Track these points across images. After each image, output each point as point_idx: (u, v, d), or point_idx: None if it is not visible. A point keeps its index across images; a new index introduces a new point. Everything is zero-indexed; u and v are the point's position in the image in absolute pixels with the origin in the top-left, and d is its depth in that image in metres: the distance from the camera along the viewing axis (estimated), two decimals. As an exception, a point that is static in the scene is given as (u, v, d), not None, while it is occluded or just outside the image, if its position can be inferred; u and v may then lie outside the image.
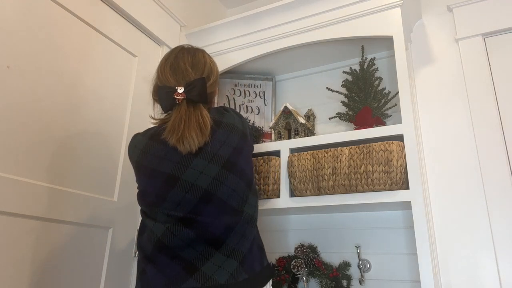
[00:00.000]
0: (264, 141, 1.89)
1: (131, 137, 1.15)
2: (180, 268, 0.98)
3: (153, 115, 1.20)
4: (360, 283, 1.57)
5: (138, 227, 1.12)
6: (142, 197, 1.08)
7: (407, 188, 1.35)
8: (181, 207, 1.01)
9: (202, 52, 1.19)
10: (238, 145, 1.09)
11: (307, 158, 1.47)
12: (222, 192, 1.03)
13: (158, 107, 1.18)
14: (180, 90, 1.08)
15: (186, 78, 1.11)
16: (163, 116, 1.15)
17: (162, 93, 1.10)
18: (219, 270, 0.99)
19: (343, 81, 1.70)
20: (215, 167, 1.03)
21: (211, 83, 1.15)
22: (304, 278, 1.58)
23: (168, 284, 0.97)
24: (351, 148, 1.40)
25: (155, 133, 1.08)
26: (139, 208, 1.55)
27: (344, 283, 1.55)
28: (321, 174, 1.43)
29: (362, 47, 1.74)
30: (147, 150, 1.06)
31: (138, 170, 1.09)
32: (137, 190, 1.11)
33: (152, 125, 1.17)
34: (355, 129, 1.56)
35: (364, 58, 1.69)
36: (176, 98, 1.07)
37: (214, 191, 1.02)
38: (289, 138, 1.70)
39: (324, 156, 1.44)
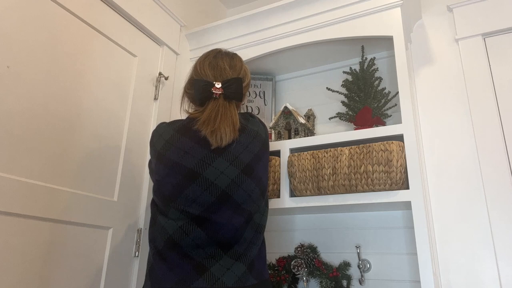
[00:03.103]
0: (264, 141, 1.89)
1: (157, 125, 1.18)
2: (190, 267, 0.99)
3: (181, 108, 1.25)
4: (360, 283, 1.57)
5: (150, 219, 1.14)
6: (158, 187, 1.08)
7: (407, 188, 1.35)
8: (197, 204, 1.02)
9: (239, 57, 1.25)
10: (259, 153, 1.12)
11: (307, 158, 1.47)
12: (238, 195, 1.04)
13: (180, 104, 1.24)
14: (218, 85, 1.12)
15: (224, 76, 1.15)
16: (192, 110, 1.20)
17: (198, 86, 1.14)
18: (228, 273, 1.00)
19: (343, 81, 1.70)
20: (235, 170, 1.05)
21: (245, 84, 1.20)
22: (304, 278, 1.58)
23: (178, 283, 0.98)
24: (351, 148, 1.40)
25: (182, 126, 1.11)
26: (139, 208, 1.56)
27: (344, 283, 1.55)
28: (321, 174, 1.43)
29: (362, 47, 1.74)
30: (172, 142, 1.08)
31: (158, 159, 1.09)
32: (154, 180, 1.12)
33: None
34: (355, 129, 1.56)
35: (364, 58, 1.69)
36: (214, 93, 1.12)
37: (231, 193, 1.04)
38: (289, 138, 1.70)
39: (324, 156, 1.44)
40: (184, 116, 1.23)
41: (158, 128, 1.15)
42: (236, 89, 1.14)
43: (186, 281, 0.97)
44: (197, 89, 1.14)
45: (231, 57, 1.21)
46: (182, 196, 1.03)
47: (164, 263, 1.01)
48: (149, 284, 1.02)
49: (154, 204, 1.12)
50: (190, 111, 1.21)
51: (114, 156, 1.49)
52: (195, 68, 1.21)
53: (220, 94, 1.12)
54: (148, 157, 1.63)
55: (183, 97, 1.25)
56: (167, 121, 1.75)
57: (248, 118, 1.17)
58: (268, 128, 1.92)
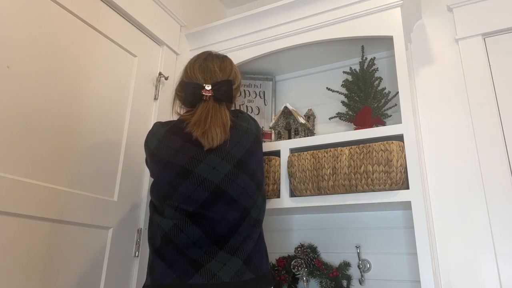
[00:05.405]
0: (264, 141, 1.89)
1: (153, 124, 1.20)
2: (186, 264, 1.01)
3: (172, 111, 1.27)
4: (360, 283, 1.57)
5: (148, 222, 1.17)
6: (154, 187, 1.11)
7: (407, 188, 1.35)
8: (191, 200, 1.04)
9: (230, 59, 1.26)
10: (251, 148, 1.13)
11: (307, 158, 1.47)
12: (233, 190, 1.06)
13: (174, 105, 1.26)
14: (208, 87, 1.14)
15: (214, 78, 1.17)
16: (183, 111, 1.22)
17: (189, 89, 1.16)
18: (224, 268, 1.01)
19: (343, 81, 1.70)
20: (227, 165, 1.07)
21: (236, 87, 1.21)
22: (304, 278, 1.58)
23: (176, 279, 1.00)
24: (351, 148, 1.40)
25: (174, 126, 1.13)
26: (139, 208, 1.56)
27: (344, 283, 1.55)
28: (321, 174, 1.43)
29: (362, 47, 1.74)
30: (164, 142, 1.10)
31: (152, 159, 1.12)
32: (151, 180, 1.14)
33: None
34: (355, 129, 1.56)
35: (364, 58, 1.69)
36: (204, 95, 1.14)
37: (225, 188, 1.05)
38: (289, 138, 1.70)
39: (324, 156, 1.44)
40: (176, 118, 1.24)
41: (152, 128, 1.18)
42: (226, 91, 1.15)
43: (183, 277, 0.99)
44: (188, 92, 1.16)
45: (221, 60, 1.23)
46: (177, 194, 1.05)
47: (163, 260, 1.03)
48: (149, 280, 1.04)
49: (151, 204, 1.14)
50: (181, 113, 1.23)
51: (114, 156, 1.49)
52: (185, 71, 1.22)
53: (210, 96, 1.14)
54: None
55: (174, 99, 1.26)
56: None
57: (238, 114, 1.19)
58: (268, 128, 1.93)
